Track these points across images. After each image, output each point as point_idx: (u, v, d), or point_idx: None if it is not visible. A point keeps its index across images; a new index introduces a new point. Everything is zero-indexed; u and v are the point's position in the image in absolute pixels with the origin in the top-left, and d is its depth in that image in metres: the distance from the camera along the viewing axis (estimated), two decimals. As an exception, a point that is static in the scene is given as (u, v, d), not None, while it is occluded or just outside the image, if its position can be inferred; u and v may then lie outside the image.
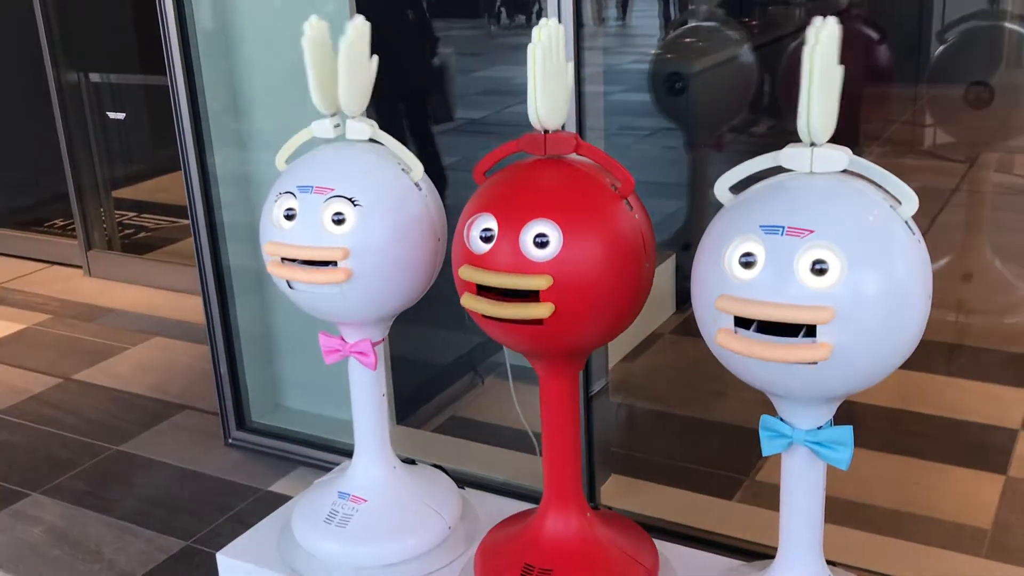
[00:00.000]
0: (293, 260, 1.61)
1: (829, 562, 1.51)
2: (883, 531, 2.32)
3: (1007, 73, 3.01)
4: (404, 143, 1.69)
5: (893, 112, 3.42)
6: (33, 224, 4.92)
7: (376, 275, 1.61)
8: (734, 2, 3.54)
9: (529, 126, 1.50)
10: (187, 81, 2.70)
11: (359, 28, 1.62)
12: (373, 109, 2.87)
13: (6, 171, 4.92)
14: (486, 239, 1.44)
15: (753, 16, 3.54)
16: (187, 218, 2.82)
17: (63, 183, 4.45)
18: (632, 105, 3.53)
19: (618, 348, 3.00)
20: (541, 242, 1.41)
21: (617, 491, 2.52)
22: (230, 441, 2.97)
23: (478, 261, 1.45)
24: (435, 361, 3.15)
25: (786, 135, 1.36)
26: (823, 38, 1.25)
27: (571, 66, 1.51)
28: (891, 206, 1.31)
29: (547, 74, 1.43)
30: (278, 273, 1.61)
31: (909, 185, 1.31)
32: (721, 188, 1.40)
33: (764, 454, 1.41)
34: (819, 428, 1.39)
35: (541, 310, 1.40)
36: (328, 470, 2.10)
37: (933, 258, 1.35)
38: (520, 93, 1.49)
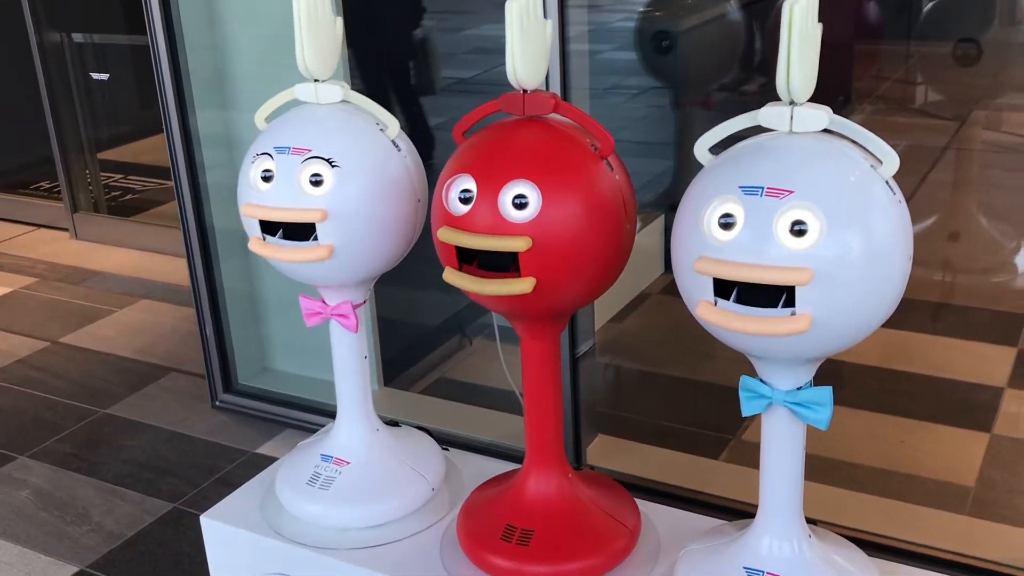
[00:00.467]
0: (272, 224, 1.59)
1: (812, 520, 1.52)
2: (867, 489, 2.33)
3: (996, 31, 2.98)
4: (390, 105, 1.67)
5: (885, 69, 3.39)
6: (18, 187, 4.89)
7: (355, 237, 1.59)
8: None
9: (516, 86, 1.47)
10: (168, 41, 2.66)
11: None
12: (358, 71, 2.86)
13: (-10, 133, 4.89)
14: (465, 200, 1.43)
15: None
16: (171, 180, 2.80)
17: (48, 146, 4.41)
18: (619, 64, 3.50)
19: (605, 309, 3.00)
20: (520, 203, 1.39)
21: (604, 451, 2.53)
22: (217, 404, 2.97)
23: (457, 223, 1.43)
24: (423, 323, 3.14)
25: (774, 93, 1.34)
26: (802, -6, 1.23)
27: (551, 24, 1.49)
28: (872, 166, 1.30)
29: (525, 32, 1.41)
30: (261, 252, 1.60)
31: (900, 144, 1.30)
32: (701, 148, 1.39)
33: (743, 415, 1.41)
34: (799, 388, 1.38)
35: (523, 285, 1.39)
36: (315, 431, 2.10)
37: (923, 217, 1.34)
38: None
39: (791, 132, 1.31)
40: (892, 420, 2.60)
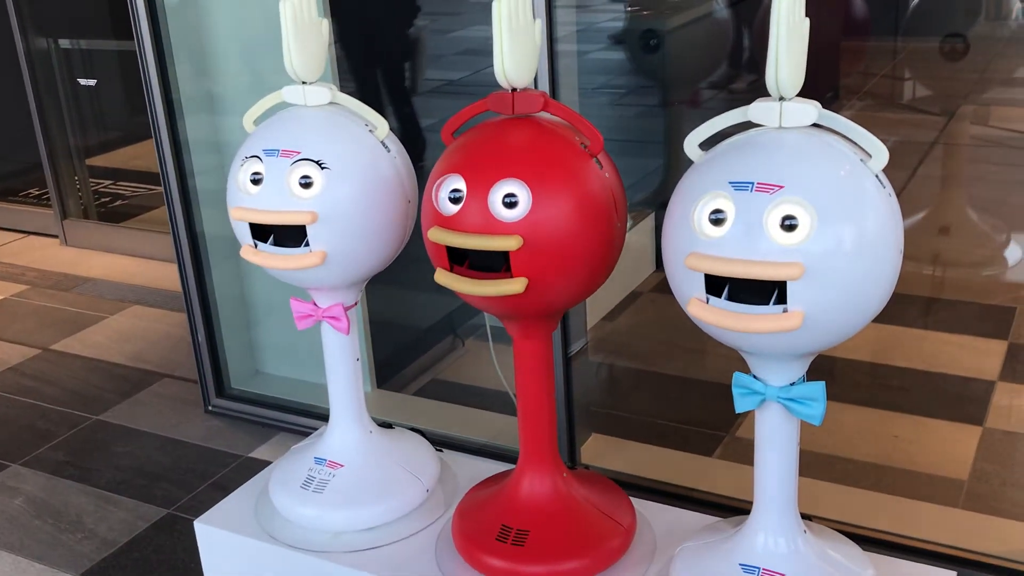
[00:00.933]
0: (263, 230, 1.59)
1: (806, 516, 1.52)
2: (861, 484, 2.33)
3: (983, 25, 2.99)
4: (378, 107, 1.67)
5: (873, 66, 3.40)
6: (7, 194, 4.87)
7: (346, 239, 1.59)
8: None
9: (506, 87, 1.47)
10: (155, 46, 2.65)
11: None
12: (350, 73, 2.85)
13: (-22, 141, 4.87)
14: (455, 200, 1.43)
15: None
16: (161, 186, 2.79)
17: (36, 152, 4.39)
18: (607, 63, 3.50)
19: (597, 308, 3.00)
20: (510, 202, 1.39)
21: (598, 450, 2.53)
22: (210, 408, 2.96)
23: (447, 222, 1.43)
24: (415, 324, 3.14)
25: (763, 90, 1.34)
26: (789, -11, 1.23)
27: (540, 23, 1.49)
28: (861, 160, 1.30)
29: (513, 31, 1.41)
30: (253, 260, 1.60)
31: (888, 139, 1.29)
32: (691, 145, 1.39)
33: (737, 411, 1.41)
34: (792, 384, 1.39)
35: (515, 286, 1.39)
36: (309, 435, 2.09)
37: (913, 211, 1.34)
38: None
39: (780, 127, 1.32)
40: (885, 415, 2.60)
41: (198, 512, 1.91)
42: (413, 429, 1.98)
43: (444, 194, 1.44)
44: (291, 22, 1.58)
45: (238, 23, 2.71)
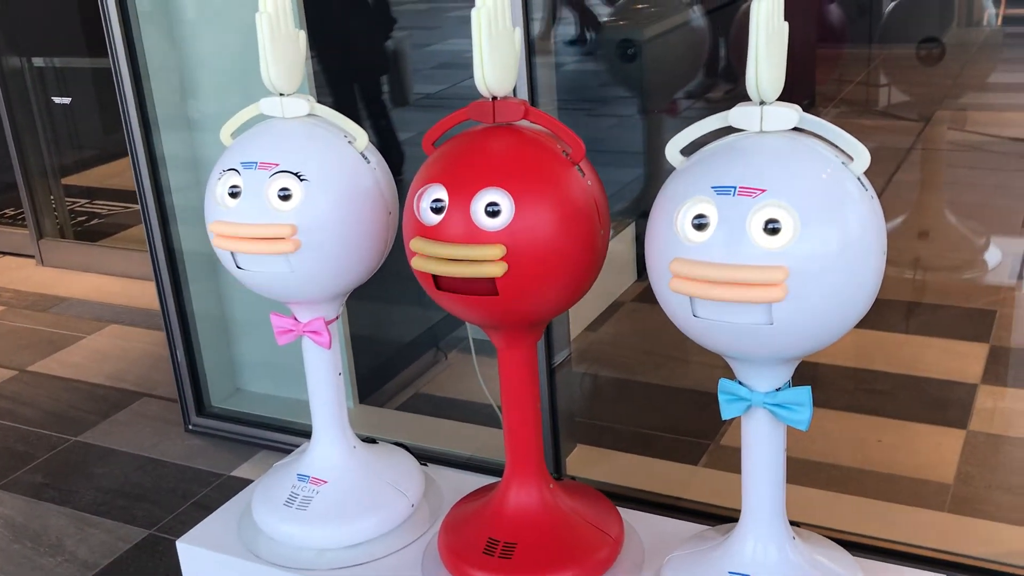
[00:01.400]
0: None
1: (793, 523, 1.51)
2: (847, 490, 2.33)
3: (958, 29, 3.01)
4: (359, 120, 1.65)
5: (848, 72, 3.41)
6: (-18, 215, 4.83)
7: (326, 251, 1.57)
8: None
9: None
10: (130, 63, 2.64)
11: (279, 1, 1.57)
12: (327, 87, 2.84)
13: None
14: (437, 210, 1.42)
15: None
16: (138, 203, 2.77)
17: (11, 172, 4.35)
18: (585, 74, 3.50)
19: (580, 318, 2.99)
20: (493, 211, 1.38)
21: (583, 461, 2.52)
22: (190, 427, 2.93)
23: (429, 232, 1.42)
24: (397, 338, 3.12)
25: (741, 98, 1.34)
26: (768, -7, 1.23)
27: (519, 31, 1.48)
28: (843, 163, 1.30)
29: (493, 39, 1.40)
30: (224, 246, 1.57)
31: (866, 145, 1.29)
32: (672, 151, 1.38)
33: (723, 418, 1.40)
34: (777, 390, 1.38)
35: (494, 268, 1.37)
36: (290, 452, 2.07)
37: (892, 216, 1.34)
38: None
39: (761, 131, 1.31)
40: (869, 420, 2.60)
41: (180, 532, 1.88)
42: (397, 444, 1.96)
43: (426, 204, 1.43)
44: (268, 33, 1.56)
45: (213, 38, 2.70)
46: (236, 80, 2.69)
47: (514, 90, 1.51)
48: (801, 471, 2.36)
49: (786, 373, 1.38)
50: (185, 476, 2.72)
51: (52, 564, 2.39)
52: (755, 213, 1.24)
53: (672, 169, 1.38)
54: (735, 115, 1.32)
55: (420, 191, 1.44)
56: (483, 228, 1.38)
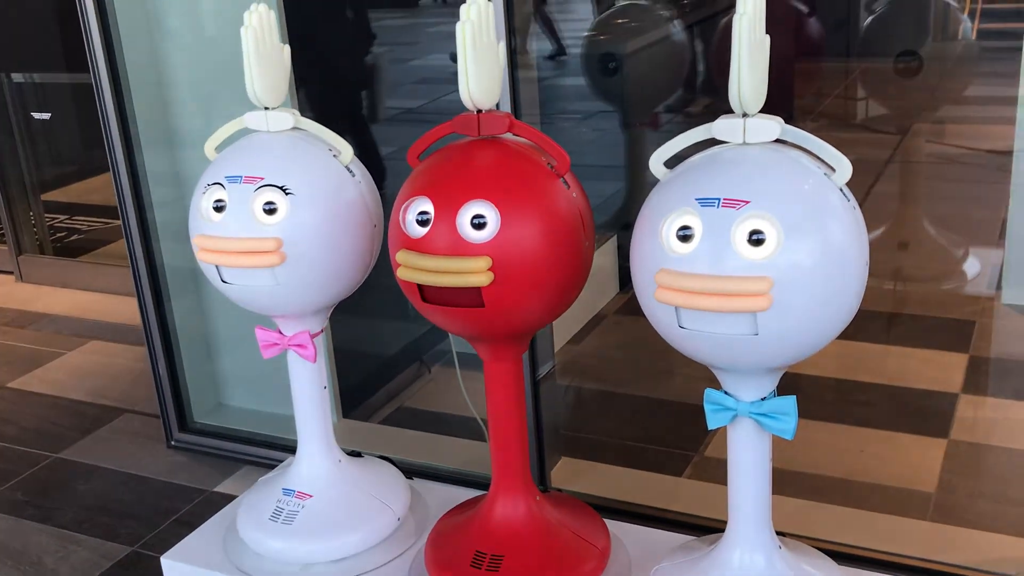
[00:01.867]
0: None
1: (779, 532, 1.52)
2: (831, 500, 2.34)
3: (935, 43, 3.05)
4: (340, 135, 1.66)
5: (826, 86, 3.45)
6: (-40, 232, 4.78)
7: (311, 264, 1.57)
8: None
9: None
10: (112, 78, 2.63)
11: (263, 16, 1.57)
12: (308, 102, 2.84)
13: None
14: (422, 223, 1.42)
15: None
16: (119, 219, 2.76)
17: (-10, 188, 4.33)
18: (567, 89, 3.52)
19: (564, 330, 3.00)
20: (479, 223, 1.39)
21: (568, 473, 2.52)
22: (173, 443, 2.91)
23: (415, 245, 1.42)
24: (380, 352, 3.12)
25: (722, 112, 1.35)
26: (749, 6, 1.25)
27: (503, 45, 1.49)
28: (825, 174, 1.31)
29: (478, 52, 1.41)
30: (209, 260, 1.57)
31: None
32: (656, 163, 1.40)
33: (709, 427, 1.41)
34: (763, 399, 1.39)
35: (480, 278, 1.38)
36: (274, 467, 2.07)
37: (870, 229, 1.36)
38: (455, 81, 1.47)
39: (744, 143, 1.32)
40: (851, 430, 2.62)
41: (163, 549, 1.87)
42: (382, 457, 1.96)
43: (411, 216, 1.43)
44: (253, 47, 1.57)
45: (195, 53, 2.70)
46: (218, 94, 2.68)
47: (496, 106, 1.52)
48: (785, 481, 2.37)
49: (771, 383, 1.39)
50: (168, 492, 2.70)
51: (33, 582, 2.37)
52: (739, 224, 1.25)
53: (656, 181, 1.39)
54: (718, 127, 1.33)
55: (406, 204, 1.44)
56: (469, 240, 1.39)
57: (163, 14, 2.67)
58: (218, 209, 1.56)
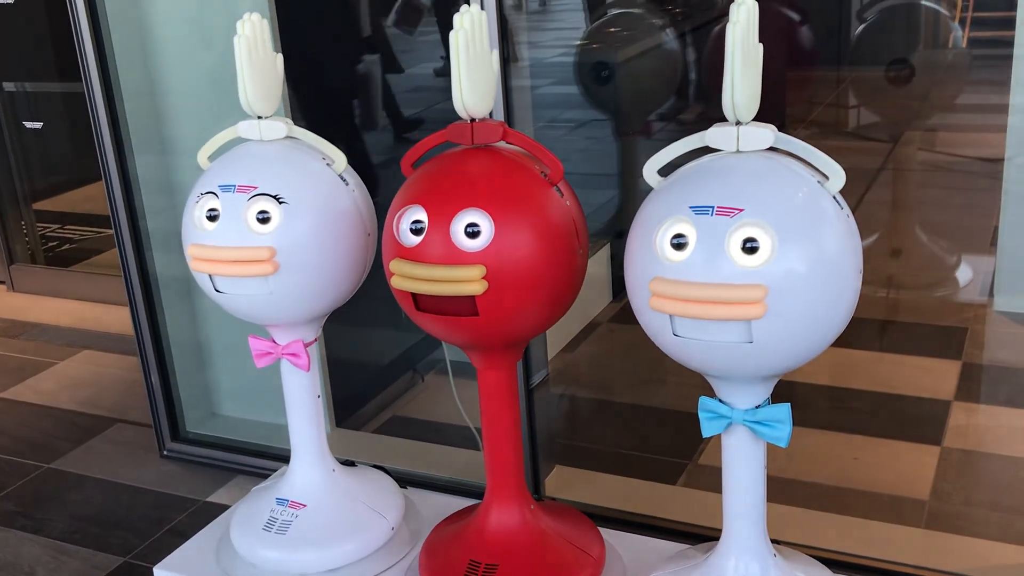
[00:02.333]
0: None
1: (774, 540, 1.52)
2: (825, 507, 2.34)
3: (926, 51, 3.06)
4: (333, 143, 1.66)
5: (817, 94, 3.46)
6: (-48, 241, 4.76)
7: (305, 273, 1.57)
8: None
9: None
10: (104, 87, 2.62)
11: (256, 25, 1.57)
12: (300, 111, 2.84)
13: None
14: (416, 231, 1.42)
15: (676, 2, 3.56)
16: (111, 228, 2.75)
17: (-19, 198, 4.32)
18: (559, 97, 3.53)
19: (557, 339, 3.00)
20: (473, 232, 1.39)
21: (562, 482, 2.51)
22: (165, 453, 2.90)
23: (409, 254, 1.42)
24: (373, 361, 3.11)
25: (715, 120, 1.36)
26: (742, 15, 1.25)
27: (496, 54, 1.49)
28: (819, 182, 1.31)
29: (471, 61, 1.41)
30: (202, 269, 1.56)
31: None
32: (650, 171, 1.40)
33: (704, 435, 1.41)
34: (757, 407, 1.39)
35: (474, 287, 1.38)
36: (267, 477, 2.06)
37: (862, 236, 1.36)
38: (448, 90, 1.47)
39: (738, 151, 1.33)
40: (845, 438, 2.62)
41: (156, 559, 1.86)
42: (375, 466, 1.95)
43: (405, 225, 1.43)
44: (246, 56, 1.57)
45: (188, 62, 2.69)
46: (210, 104, 2.68)
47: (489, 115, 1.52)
48: (779, 489, 2.37)
49: (765, 390, 1.39)
50: (160, 502, 2.69)
51: (25, 594, 2.36)
52: (733, 232, 1.25)
53: (650, 189, 1.40)
54: (712, 135, 1.34)
55: (400, 212, 1.44)
56: (463, 249, 1.39)
57: (155, 23, 2.67)
58: (211, 218, 1.56)
